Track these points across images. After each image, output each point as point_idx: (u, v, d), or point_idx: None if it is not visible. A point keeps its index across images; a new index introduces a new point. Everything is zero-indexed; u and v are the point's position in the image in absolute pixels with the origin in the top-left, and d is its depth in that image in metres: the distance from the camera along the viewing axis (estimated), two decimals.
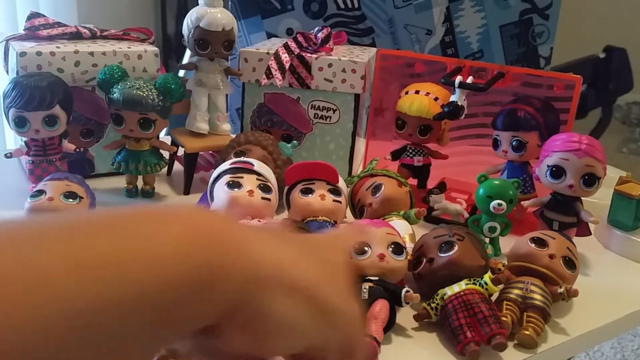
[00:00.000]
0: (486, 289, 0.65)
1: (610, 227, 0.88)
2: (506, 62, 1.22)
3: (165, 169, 0.98)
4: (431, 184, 0.96)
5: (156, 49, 0.97)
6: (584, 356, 1.84)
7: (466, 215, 0.85)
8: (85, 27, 0.99)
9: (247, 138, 0.90)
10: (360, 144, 1.05)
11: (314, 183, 0.81)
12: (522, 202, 0.87)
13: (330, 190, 0.80)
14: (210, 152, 1.01)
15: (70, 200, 0.77)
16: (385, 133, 1.03)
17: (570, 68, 1.32)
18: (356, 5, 1.17)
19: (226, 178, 0.78)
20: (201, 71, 0.96)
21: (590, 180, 0.78)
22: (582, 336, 0.68)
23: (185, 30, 0.94)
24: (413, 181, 0.97)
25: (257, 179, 0.78)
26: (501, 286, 0.67)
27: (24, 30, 0.96)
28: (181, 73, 1.28)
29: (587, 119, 2.50)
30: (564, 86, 0.88)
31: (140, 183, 0.94)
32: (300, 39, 1.00)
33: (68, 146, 0.89)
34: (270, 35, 1.19)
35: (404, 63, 1.01)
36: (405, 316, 0.66)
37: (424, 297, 0.66)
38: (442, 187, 0.92)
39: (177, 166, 1.02)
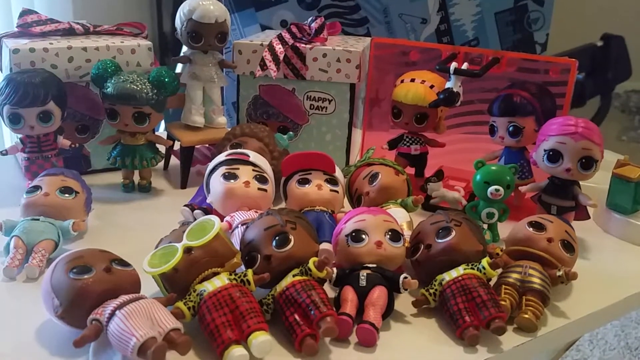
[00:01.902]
0: (484, 273, 0.64)
1: (609, 211, 0.87)
2: (502, 49, 1.21)
3: (161, 163, 0.97)
4: (429, 172, 0.96)
5: (149, 42, 0.96)
6: (588, 344, 1.84)
7: (464, 202, 0.85)
8: (78, 23, 0.98)
9: (243, 130, 0.90)
10: (357, 135, 1.05)
11: (310, 173, 0.81)
12: (519, 188, 0.86)
13: (327, 180, 0.80)
14: (207, 145, 1.00)
15: (66, 195, 0.77)
16: (382, 124, 1.02)
17: (567, 57, 1.31)
18: None
19: (222, 170, 0.77)
20: (195, 64, 0.96)
21: (588, 163, 0.77)
22: (582, 319, 0.68)
23: (178, 23, 0.94)
24: (410, 170, 0.96)
25: (253, 170, 0.78)
26: (499, 270, 0.67)
27: (16, 27, 0.95)
28: (178, 68, 1.28)
29: (586, 107, 2.49)
30: (559, 70, 0.88)
31: (137, 178, 0.94)
32: (294, 29, 0.99)
33: (63, 142, 0.88)
34: (264, 28, 1.18)
35: (398, 51, 1.00)
36: (404, 302, 0.66)
37: (422, 284, 0.66)
38: (439, 175, 0.92)
39: (174, 160, 1.01)
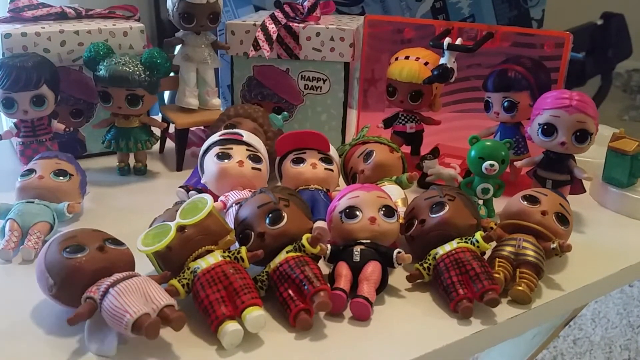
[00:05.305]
0: (478, 246, 0.64)
1: (605, 185, 0.87)
2: None
3: (157, 146, 0.97)
4: (424, 150, 0.95)
5: (141, 25, 0.96)
6: (590, 322, 1.84)
7: (460, 179, 0.85)
8: (70, 7, 0.98)
9: (237, 111, 0.90)
10: (352, 115, 1.05)
11: (305, 152, 0.80)
12: (515, 163, 0.86)
13: (321, 159, 0.80)
14: (202, 127, 1.00)
15: (61, 177, 0.77)
16: (377, 104, 1.02)
17: None
18: None
19: (215, 150, 0.77)
20: (188, 45, 0.95)
21: (582, 136, 0.77)
22: (577, 291, 0.68)
23: (169, 4, 0.93)
24: (406, 148, 0.96)
25: (247, 150, 0.78)
26: (493, 244, 0.67)
27: (8, 12, 0.95)
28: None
29: (587, 87, 2.48)
30: (554, 44, 0.87)
31: (132, 161, 0.94)
32: (287, 9, 0.99)
33: (58, 126, 0.88)
34: (258, 9, 1.17)
35: (393, 29, 1.00)
36: (399, 277, 0.66)
37: (416, 259, 0.66)
38: (435, 152, 0.91)
39: (169, 143, 1.01)
